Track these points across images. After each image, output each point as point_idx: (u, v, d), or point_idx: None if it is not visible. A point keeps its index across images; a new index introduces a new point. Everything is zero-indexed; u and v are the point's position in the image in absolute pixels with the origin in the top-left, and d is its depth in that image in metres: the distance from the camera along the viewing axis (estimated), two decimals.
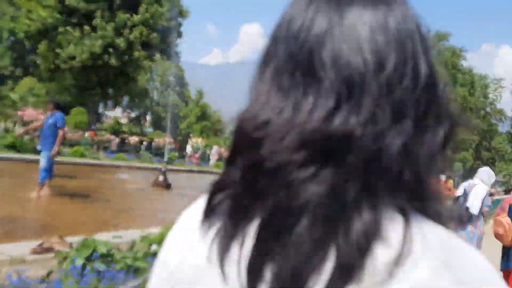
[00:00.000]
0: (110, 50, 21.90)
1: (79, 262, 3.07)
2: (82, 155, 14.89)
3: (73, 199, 7.53)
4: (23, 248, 3.79)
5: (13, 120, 15.17)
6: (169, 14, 24.12)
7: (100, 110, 66.95)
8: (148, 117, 68.99)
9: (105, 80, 23.60)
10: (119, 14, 22.07)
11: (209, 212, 0.44)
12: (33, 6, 21.95)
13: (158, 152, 20.65)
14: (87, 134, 18.76)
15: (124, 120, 67.07)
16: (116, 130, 39.85)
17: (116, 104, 66.34)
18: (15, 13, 32.45)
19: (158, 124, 63.85)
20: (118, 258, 3.25)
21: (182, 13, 25.63)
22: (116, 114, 72.26)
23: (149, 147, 20.97)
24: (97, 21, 21.49)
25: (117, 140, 20.52)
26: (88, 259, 3.11)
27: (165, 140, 20.10)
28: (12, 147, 12.52)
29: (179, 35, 26.80)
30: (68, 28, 21.46)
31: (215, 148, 24.53)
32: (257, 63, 0.45)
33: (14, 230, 4.87)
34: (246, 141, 0.40)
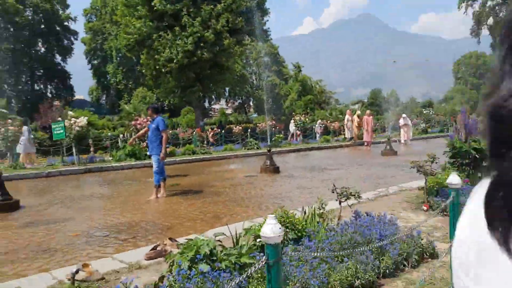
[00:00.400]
0: (201, 44, 22.70)
1: (185, 265, 3.13)
2: (193, 152, 15.84)
3: (187, 196, 7.96)
4: (140, 253, 4.06)
5: (130, 130, 16.71)
6: None
7: (207, 105, 70.82)
8: (251, 103, 70.94)
9: (202, 75, 24.62)
10: (203, 7, 22.72)
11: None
12: (128, 20, 23.81)
13: (264, 137, 20.98)
14: (194, 131, 19.88)
15: (229, 111, 70.05)
16: (223, 121, 41.79)
17: (219, 96, 69.57)
18: (117, 31, 35.72)
19: (261, 108, 65.15)
20: (222, 257, 3.24)
21: None
22: (222, 106, 75.84)
23: (254, 133, 21.49)
24: (184, 20, 22.40)
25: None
26: (193, 260, 3.15)
27: (266, 125, 20.35)
28: (132, 155, 13.82)
29: (265, 12, 26.64)
30: (161, 33, 22.77)
31: (318, 122, 24.03)
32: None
33: (134, 234, 5.28)
34: None
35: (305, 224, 4.16)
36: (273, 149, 18.01)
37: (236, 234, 3.75)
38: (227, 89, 66.17)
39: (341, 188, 4.71)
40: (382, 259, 3.73)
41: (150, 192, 8.17)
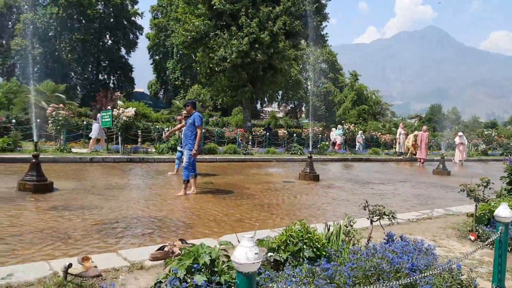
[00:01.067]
0: (256, 45, 22.55)
1: (180, 273, 2.81)
2: (234, 152, 15.65)
3: (217, 196, 7.70)
4: (147, 252, 3.81)
5: (174, 125, 16.82)
6: None
7: (259, 107, 70.98)
8: (303, 108, 70.26)
9: (254, 76, 24.48)
10: (262, 8, 22.58)
11: None
12: (187, 18, 24.21)
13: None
14: (238, 131, 19.73)
15: (281, 114, 69.74)
16: (272, 124, 41.49)
17: (271, 99, 69.45)
18: (178, 28, 36.58)
19: (314, 114, 64.24)
20: (223, 268, 2.89)
21: None
22: (274, 109, 75.78)
23: (301, 139, 20.97)
24: (242, 20, 22.37)
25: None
26: (190, 270, 2.83)
27: (309, 130, 19.81)
28: (174, 148, 13.84)
29: (325, 18, 26.06)
30: (218, 31, 22.89)
31: (360, 133, 22.91)
32: None
33: (152, 230, 5.06)
34: None
35: (327, 242, 3.72)
36: (318, 157, 17.48)
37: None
38: (280, 92, 66.00)
39: (374, 205, 4.20)
40: None
41: (182, 187, 8.02)
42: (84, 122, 16.23)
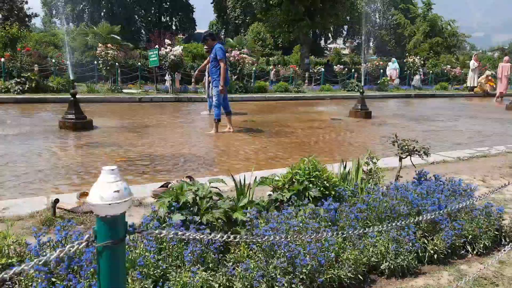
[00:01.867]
0: None
1: (161, 212, 2.59)
2: (286, 90, 15.08)
3: (254, 134, 7.40)
4: (150, 188, 3.66)
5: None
6: None
7: (323, 44, 68.07)
8: (372, 44, 66.26)
9: (312, 9, 23.02)
10: None
11: None
12: None
13: (369, 79, 19.10)
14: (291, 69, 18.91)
15: (347, 51, 66.42)
16: (333, 61, 39.57)
17: (335, 35, 65.95)
18: None
19: (382, 49, 60.50)
20: (206, 206, 2.61)
21: None
22: (340, 45, 72.36)
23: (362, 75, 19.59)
24: None
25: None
26: (170, 208, 2.59)
27: (369, 66, 18.37)
28: None
29: None
30: None
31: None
32: None
33: (172, 167, 4.93)
34: None
35: (340, 181, 3.27)
36: (378, 93, 16.38)
37: (248, 183, 3.06)
38: (345, 27, 62.41)
39: (403, 140, 3.62)
40: (431, 239, 2.74)
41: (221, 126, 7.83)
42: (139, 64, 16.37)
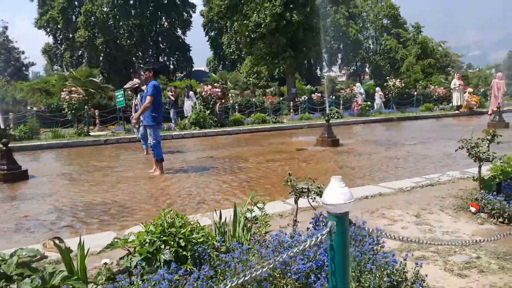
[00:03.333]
0: (290, 6, 20.98)
1: None
2: (263, 121, 14.65)
3: (197, 172, 6.88)
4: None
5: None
6: None
7: (319, 73, 68.40)
8: (367, 69, 66.45)
9: (294, 40, 22.94)
10: None
11: None
12: None
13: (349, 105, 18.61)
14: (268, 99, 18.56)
15: (344, 78, 66.51)
16: (330, 89, 39.39)
17: (330, 63, 66.35)
18: None
19: (377, 74, 60.58)
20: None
21: None
22: (337, 73, 72.72)
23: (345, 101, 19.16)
24: None
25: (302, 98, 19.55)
26: None
27: (350, 91, 17.92)
28: (196, 123, 13.21)
29: None
30: None
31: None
32: None
33: (74, 221, 4.39)
34: None
35: (206, 236, 2.70)
36: (358, 119, 15.87)
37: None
38: (339, 55, 62.82)
39: (298, 179, 3.06)
40: None
41: (168, 166, 7.35)
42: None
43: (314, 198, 2.93)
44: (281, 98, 21.12)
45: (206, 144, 10.96)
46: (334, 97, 18.70)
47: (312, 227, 2.96)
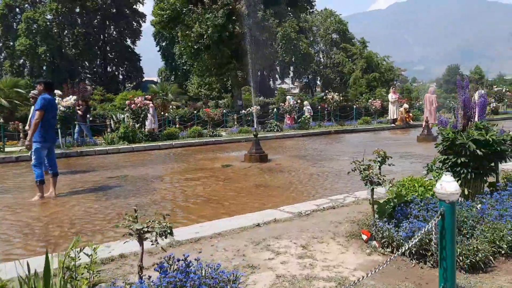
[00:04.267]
0: (233, 18, 20.70)
1: None
2: (200, 135, 14.08)
3: (93, 196, 6.19)
4: None
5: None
6: None
7: (272, 84, 68.83)
8: (319, 82, 67.75)
9: (239, 51, 22.67)
10: None
11: None
12: None
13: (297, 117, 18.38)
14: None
15: (297, 90, 67.26)
16: (281, 100, 39.44)
17: (282, 76, 67.10)
18: None
19: (329, 86, 61.93)
20: None
21: None
22: (290, 85, 73.61)
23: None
24: None
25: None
26: None
27: (286, 105, 17.73)
28: (125, 137, 12.42)
29: None
30: (191, 6, 21.13)
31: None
32: None
33: None
34: None
35: None
36: (297, 132, 15.67)
37: None
38: (291, 68, 63.58)
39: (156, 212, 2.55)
40: None
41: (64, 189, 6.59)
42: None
43: (155, 243, 2.41)
44: (225, 111, 20.64)
45: (129, 160, 10.22)
46: (276, 109, 18.43)
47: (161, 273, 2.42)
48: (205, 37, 20.91)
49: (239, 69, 23.68)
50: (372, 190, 3.75)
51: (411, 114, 18.24)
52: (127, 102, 12.82)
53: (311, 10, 35.80)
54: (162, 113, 17.56)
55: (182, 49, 25.27)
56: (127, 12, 51.61)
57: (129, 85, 55.64)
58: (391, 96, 17.98)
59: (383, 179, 3.65)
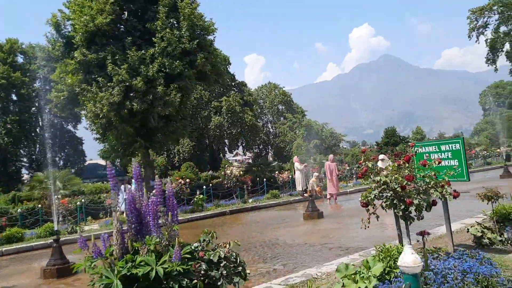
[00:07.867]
0: (131, 94, 18.52)
1: None
2: (52, 234, 10.94)
3: None
4: None
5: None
6: (193, 34, 20.07)
7: (223, 157, 66.64)
8: (270, 151, 66.52)
9: (146, 128, 20.29)
10: (131, 52, 18.70)
11: None
12: (57, 76, 20.35)
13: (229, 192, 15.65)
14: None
15: (250, 160, 65.17)
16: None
17: (231, 148, 65.35)
18: None
19: (279, 156, 60.54)
20: None
21: (207, 30, 21.16)
22: (243, 156, 71.66)
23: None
24: (109, 69, 18.44)
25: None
26: None
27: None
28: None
29: (211, 53, 21.98)
30: (84, 85, 18.87)
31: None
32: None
33: None
34: None
35: None
36: (190, 216, 12.84)
37: None
38: (240, 140, 62.01)
39: None
40: None
41: None
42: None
43: None
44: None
45: None
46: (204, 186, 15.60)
47: None
48: (100, 116, 18.48)
49: (149, 147, 21.14)
50: None
51: (321, 184, 15.92)
52: None
53: (220, 82, 33.99)
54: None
55: (90, 130, 22.59)
56: None
57: (71, 170, 51.69)
58: (298, 165, 15.76)
59: None
